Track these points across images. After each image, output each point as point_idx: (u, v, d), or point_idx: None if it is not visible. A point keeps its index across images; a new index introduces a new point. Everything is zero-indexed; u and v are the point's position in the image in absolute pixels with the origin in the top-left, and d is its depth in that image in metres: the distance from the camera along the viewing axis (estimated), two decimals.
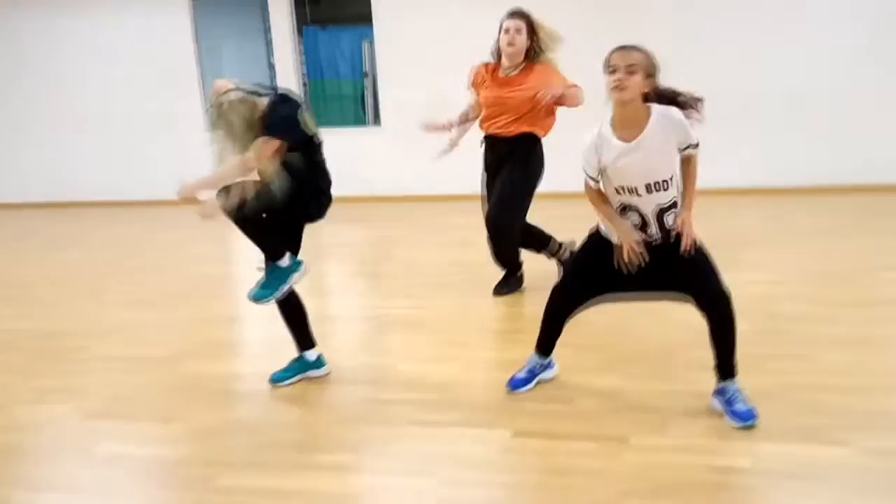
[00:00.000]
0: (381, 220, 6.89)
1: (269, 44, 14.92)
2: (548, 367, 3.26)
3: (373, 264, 5.26)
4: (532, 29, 4.08)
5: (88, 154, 8.37)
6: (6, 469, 2.84)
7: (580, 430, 2.84)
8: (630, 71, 2.62)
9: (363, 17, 7.57)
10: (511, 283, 4.46)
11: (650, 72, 2.68)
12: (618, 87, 2.63)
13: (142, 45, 7.97)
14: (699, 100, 2.74)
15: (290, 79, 7.78)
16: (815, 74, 6.66)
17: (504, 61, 4.15)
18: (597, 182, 2.86)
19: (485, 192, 4.33)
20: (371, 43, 7.98)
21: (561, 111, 4.16)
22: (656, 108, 2.70)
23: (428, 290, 4.65)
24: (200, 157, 8.26)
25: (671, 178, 2.74)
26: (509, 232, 4.25)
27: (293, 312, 3.32)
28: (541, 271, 4.43)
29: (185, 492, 2.64)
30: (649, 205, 2.77)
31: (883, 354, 3.39)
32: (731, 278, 2.85)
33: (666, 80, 2.75)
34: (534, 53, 4.11)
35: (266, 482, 2.63)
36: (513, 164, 4.18)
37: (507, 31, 4.07)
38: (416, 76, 7.32)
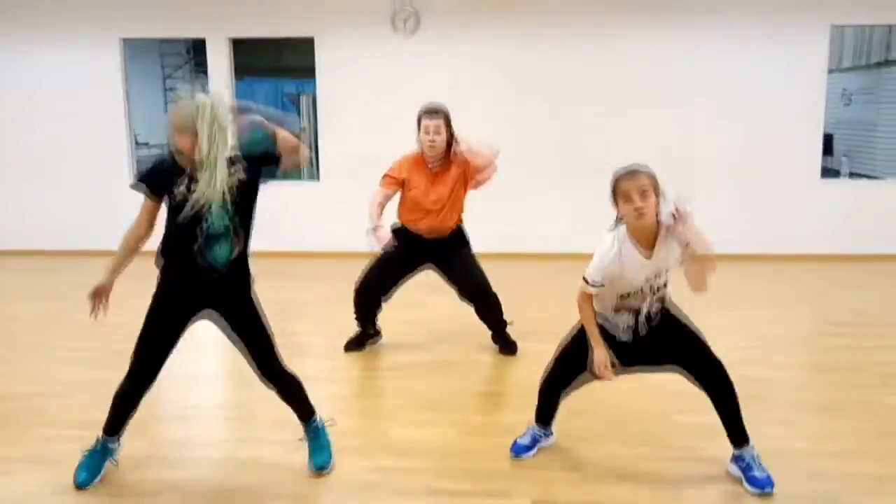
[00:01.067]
0: (324, 277, 6.73)
1: (166, 90, 14.68)
2: (549, 435, 3.26)
3: (327, 324, 5.11)
4: (449, 122, 4.20)
5: (5, 199, 7.86)
6: None
7: (596, 500, 2.83)
8: (644, 196, 2.71)
9: (284, 70, 7.47)
10: (359, 340, 4.57)
11: (658, 189, 2.76)
12: (640, 215, 2.72)
13: (68, 85, 7.61)
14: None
15: None
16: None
17: (427, 157, 4.26)
18: (597, 289, 2.90)
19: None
20: (308, 97, 7.91)
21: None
22: (663, 223, 2.78)
23: (393, 352, 4.56)
24: (128, 204, 7.97)
25: (666, 272, 2.88)
26: (493, 295, 4.38)
27: (135, 401, 3.01)
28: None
29: None
30: (649, 303, 2.91)
31: (859, 419, 3.55)
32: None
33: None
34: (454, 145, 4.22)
35: None
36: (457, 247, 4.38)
37: (426, 130, 4.16)
38: (357, 132, 7.32)
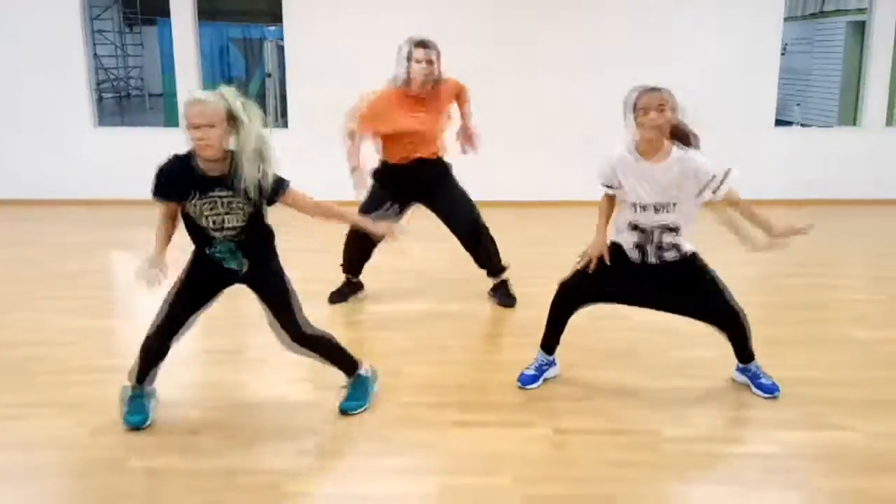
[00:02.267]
0: (298, 226, 6.77)
1: (93, 32, 14.19)
2: (552, 364, 3.48)
3: (321, 271, 5.20)
4: (439, 58, 4.25)
5: None
6: (40, 488, 2.64)
7: (613, 426, 3.06)
8: (661, 109, 2.98)
9: (241, 13, 7.36)
10: (345, 291, 4.62)
11: (675, 108, 3.03)
12: (655, 126, 3.00)
13: (26, 32, 7.33)
14: (697, 136, 3.17)
15: (190, 77, 7.46)
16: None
17: (414, 86, 4.23)
18: (610, 189, 3.20)
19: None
20: (275, 43, 7.82)
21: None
22: (678, 148, 3.06)
23: (389, 299, 4.69)
24: (92, 151, 7.81)
25: (675, 206, 3.11)
26: (485, 230, 4.46)
27: (161, 356, 3.06)
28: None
29: (249, 501, 2.59)
30: (653, 222, 3.13)
31: (834, 352, 3.88)
32: None
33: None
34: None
35: (332, 489, 2.65)
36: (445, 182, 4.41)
37: (418, 60, 4.15)
38: (327, 78, 7.29)
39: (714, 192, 3.09)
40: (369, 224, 3.14)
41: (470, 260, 4.54)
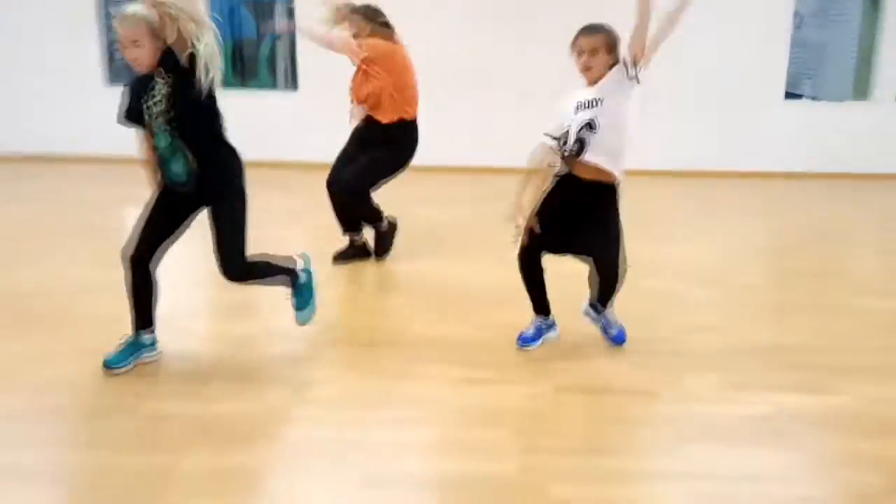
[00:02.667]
0: (307, 188, 6.82)
1: None
2: (551, 326, 3.54)
3: (319, 229, 5.27)
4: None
5: None
6: (57, 428, 2.74)
7: (611, 385, 3.14)
8: (593, 52, 3.03)
9: None
10: (348, 253, 4.68)
11: (612, 48, 3.06)
12: (586, 70, 3.08)
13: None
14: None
15: None
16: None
17: None
18: (554, 142, 3.17)
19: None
20: (285, 5, 7.81)
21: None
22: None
23: (397, 257, 4.76)
24: (102, 109, 7.87)
25: (600, 102, 3.05)
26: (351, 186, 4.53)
27: (146, 293, 3.14)
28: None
29: (256, 448, 2.67)
30: (576, 122, 3.10)
31: (831, 319, 3.93)
32: (674, 252, 3.20)
33: None
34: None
35: (335, 435, 2.72)
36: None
37: None
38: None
39: (633, 67, 3.01)
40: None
41: (474, 222, 4.62)
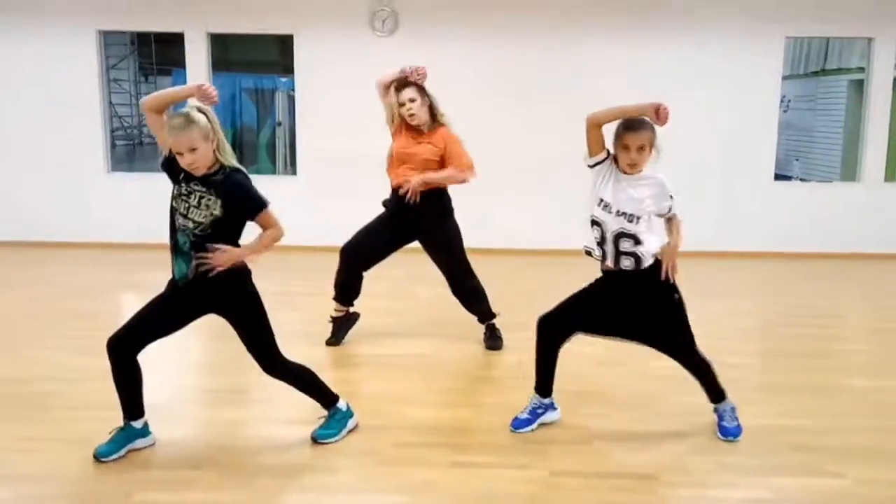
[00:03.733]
0: (307, 270, 6.88)
1: (109, 81, 14.57)
2: (549, 407, 3.53)
3: (320, 314, 5.29)
4: (423, 91, 4.45)
5: None
6: None
7: (610, 469, 3.11)
8: (641, 150, 3.15)
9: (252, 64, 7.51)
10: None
11: (653, 142, 3.20)
12: (633, 167, 3.18)
13: (44, 77, 7.56)
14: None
15: None
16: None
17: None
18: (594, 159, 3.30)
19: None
20: (286, 93, 8.04)
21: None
22: (654, 170, 3.24)
23: (392, 339, 4.76)
24: (104, 196, 7.99)
25: (639, 219, 3.19)
26: (470, 277, 4.59)
27: (133, 381, 3.12)
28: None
29: None
30: (614, 224, 3.21)
31: (830, 399, 3.93)
32: None
33: None
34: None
35: None
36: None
37: (402, 103, 4.38)
38: (335, 128, 7.47)
39: (665, 213, 3.26)
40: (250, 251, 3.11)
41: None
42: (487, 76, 7.48)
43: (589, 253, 3.37)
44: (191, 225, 2.96)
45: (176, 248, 3.03)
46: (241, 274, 3.12)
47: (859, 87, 10.71)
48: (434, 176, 4.34)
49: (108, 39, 16.38)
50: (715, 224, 7.59)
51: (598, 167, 3.27)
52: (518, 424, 3.45)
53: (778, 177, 8.07)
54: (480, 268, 4.65)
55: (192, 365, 4.46)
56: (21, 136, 7.60)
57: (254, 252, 3.06)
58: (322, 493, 2.89)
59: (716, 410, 3.44)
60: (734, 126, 7.53)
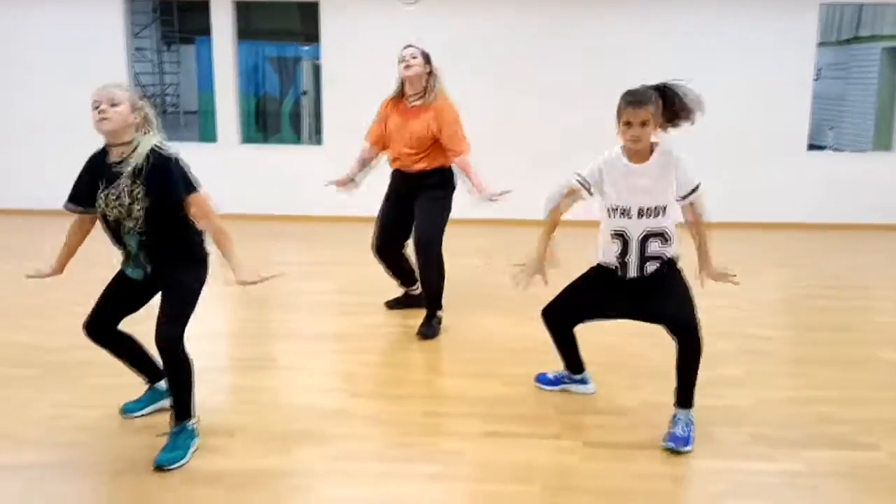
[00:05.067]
0: (336, 240, 6.91)
1: (132, 51, 14.59)
2: (580, 381, 3.54)
3: (347, 282, 5.32)
4: (427, 59, 4.34)
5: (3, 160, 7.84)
6: (84, 485, 2.75)
7: (643, 441, 3.10)
8: (643, 124, 2.97)
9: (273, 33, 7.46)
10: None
11: (657, 115, 3.02)
12: (634, 141, 3.00)
13: (69, 46, 7.58)
14: (693, 112, 3.13)
15: (229, 93, 7.66)
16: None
17: (406, 91, 4.38)
18: (581, 187, 3.11)
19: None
20: (311, 62, 8.00)
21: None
22: (660, 145, 3.05)
23: (418, 310, 4.74)
24: None
25: (664, 209, 3.04)
26: (434, 253, 4.38)
27: (130, 351, 3.16)
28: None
29: (284, 502, 2.67)
30: (637, 229, 3.05)
31: (860, 371, 3.89)
32: (699, 304, 3.14)
33: None
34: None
35: (364, 492, 2.71)
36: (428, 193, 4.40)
37: (402, 59, 4.29)
38: (362, 97, 7.40)
39: (683, 197, 3.05)
40: (235, 268, 2.89)
41: (498, 273, 4.60)
42: (508, 46, 7.39)
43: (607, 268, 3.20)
44: (130, 224, 2.87)
45: (129, 257, 2.98)
46: (190, 246, 3.00)
47: (893, 54, 10.47)
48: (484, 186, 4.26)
49: (132, 7, 16.44)
50: (747, 194, 7.50)
51: (594, 187, 3.11)
52: (542, 379, 3.54)
53: (811, 146, 7.93)
54: (509, 237, 4.62)
55: (221, 334, 4.50)
56: (46, 105, 7.65)
57: (236, 261, 2.89)
58: (355, 461, 2.91)
59: (674, 417, 3.09)
60: (767, 95, 7.40)
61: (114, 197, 2.85)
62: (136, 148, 2.84)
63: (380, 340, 4.35)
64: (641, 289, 3.15)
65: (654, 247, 3.08)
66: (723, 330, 4.29)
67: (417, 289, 4.67)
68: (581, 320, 3.38)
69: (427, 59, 4.33)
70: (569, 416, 3.32)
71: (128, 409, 3.24)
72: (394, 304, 4.78)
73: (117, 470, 2.84)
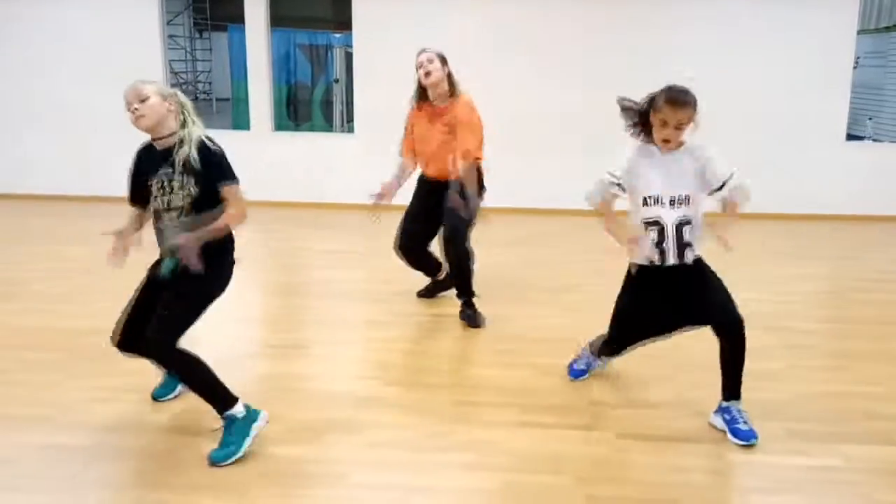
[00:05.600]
0: (368, 229, 6.90)
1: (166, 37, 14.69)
2: (599, 363, 3.60)
3: (378, 271, 5.32)
4: (444, 61, 4.31)
5: (38, 146, 7.95)
6: (120, 468, 2.79)
7: (676, 433, 3.07)
8: (679, 128, 2.92)
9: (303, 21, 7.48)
10: (429, 288, 4.71)
11: (693, 123, 2.95)
12: (665, 142, 2.96)
13: (104, 35, 7.66)
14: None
15: (261, 81, 7.70)
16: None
17: (429, 95, 4.36)
18: (615, 186, 3.09)
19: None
20: (343, 49, 8.00)
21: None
22: (690, 142, 3.01)
23: (449, 299, 4.73)
24: None
25: (692, 197, 2.99)
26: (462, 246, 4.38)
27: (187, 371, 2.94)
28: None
29: (320, 489, 2.68)
30: (671, 216, 3.00)
31: None
32: (736, 296, 3.08)
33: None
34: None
35: (397, 480, 2.72)
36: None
37: (420, 65, 4.27)
38: (395, 84, 7.39)
39: (720, 189, 2.96)
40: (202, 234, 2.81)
41: (532, 265, 4.58)
42: (543, 34, 7.33)
43: (642, 267, 3.13)
44: (175, 214, 2.90)
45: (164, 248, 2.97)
46: (221, 247, 2.96)
47: None
48: (472, 184, 4.21)
49: None
50: (785, 185, 7.39)
51: (625, 184, 3.08)
52: (576, 374, 3.56)
53: (849, 137, 7.78)
54: (541, 226, 4.59)
55: (253, 320, 4.53)
56: (82, 93, 7.73)
57: (212, 233, 2.82)
58: (388, 449, 2.92)
59: (726, 411, 3.07)
60: (806, 84, 7.28)
61: (160, 186, 2.89)
62: (181, 140, 2.87)
63: (411, 329, 4.36)
64: (681, 284, 3.08)
65: (687, 234, 3.03)
66: (764, 323, 4.23)
67: (443, 273, 4.68)
68: (640, 339, 3.36)
69: (444, 60, 4.31)
70: (601, 408, 3.30)
71: (158, 395, 3.30)
72: (425, 294, 4.79)
73: (158, 452, 2.89)
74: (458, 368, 3.71)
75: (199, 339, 3.88)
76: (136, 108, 2.83)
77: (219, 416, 2.87)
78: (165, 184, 2.88)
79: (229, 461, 2.79)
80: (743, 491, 2.69)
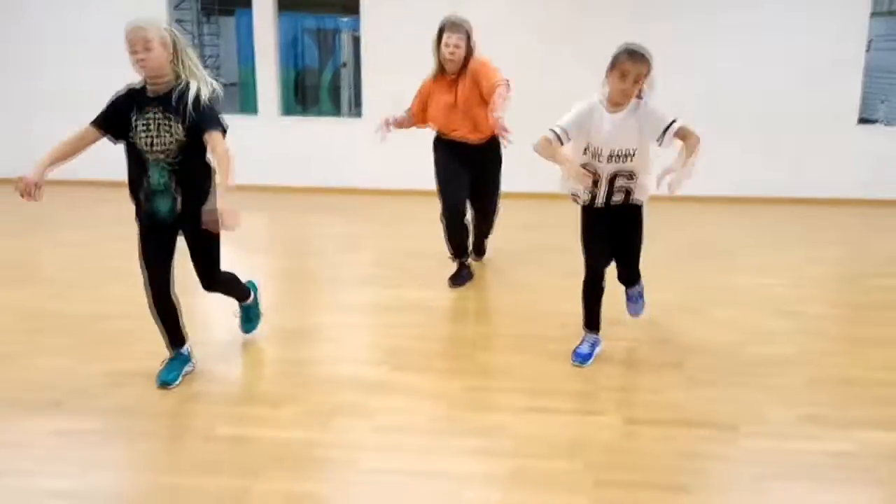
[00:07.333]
0: (375, 213, 6.90)
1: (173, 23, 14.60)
2: (599, 342, 3.62)
3: (387, 255, 5.30)
4: (469, 37, 4.39)
5: (48, 131, 7.92)
6: (132, 451, 2.79)
7: (687, 418, 3.06)
8: (636, 81, 3.10)
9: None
10: (464, 274, 4.74)
11: (649, 78, 3.15)
12: (624, 96, 3.15)
13: (108, 17, 7.61)
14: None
15: (269, 65, 7.67)
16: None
17: (447, 70, 4.47)
18: (559, 138, 3.23)
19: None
20: (350, 33, 7.96)
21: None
22: (639, 101, 3.20)
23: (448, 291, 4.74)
24: None
25: (637, 150, 3.22)
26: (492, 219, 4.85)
27: (173, 312, 3.31)
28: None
29: (330, 473, 2.68)
30: (607, 169, 3.27)
31: None
32: (748, 281, 3.09)
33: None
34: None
35: (407, 464, 2.71)
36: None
37: (447, 44, 4.35)
38: (402, 68, 7.35)
39: (663, 134, 3.17)
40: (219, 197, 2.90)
41: (546, 250, 4.60)
42: (547, 18, 7.25)
43: (575, 198, 3.42)
44: (161, 156, 2.97)
45: (153, 189, 3.03)
46: (209, 188, 3.10)
47: None
48: (500, 110, 4.17)
49: None
50: (796, 169, 7.33)
51: (571, 136, 3.25)
52: (582, 358, 3.53)
53: (862, 120, 7.70)
54: (550, 212, 4.57)
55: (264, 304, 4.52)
56: (91, 77, 7.69)
57: (230, 187, 2.88)
58: (398, 434, 2.92)
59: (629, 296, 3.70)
60: (818, 68, 7.19)
61: (145, 125, 2.95)
62: (180, 86, 2.95)
63: (421, 314, 4.34)
64: (614, 222, 3.42)
65: (620, 182, 3.30)
66: (775, 307, 4.21)
67: (468, 258, 4.74)
68: (605, 263, 3.54)
69: (468, 37, 4.35)
70: (612, 393, 3.29)
71: (165, 381, 3.25)
72: (457, 282, 4.70)
73: (169, 436, 2.90)
74: (469, 354, 3.70)
75: (211, 323, 3.93)
76: (141, 58, 2.90)
77: (239, 309, 3.61)
78: (152, 124, 2.95)
79: (255, 331, 3.65)
80: (755, 476, 2.67)
